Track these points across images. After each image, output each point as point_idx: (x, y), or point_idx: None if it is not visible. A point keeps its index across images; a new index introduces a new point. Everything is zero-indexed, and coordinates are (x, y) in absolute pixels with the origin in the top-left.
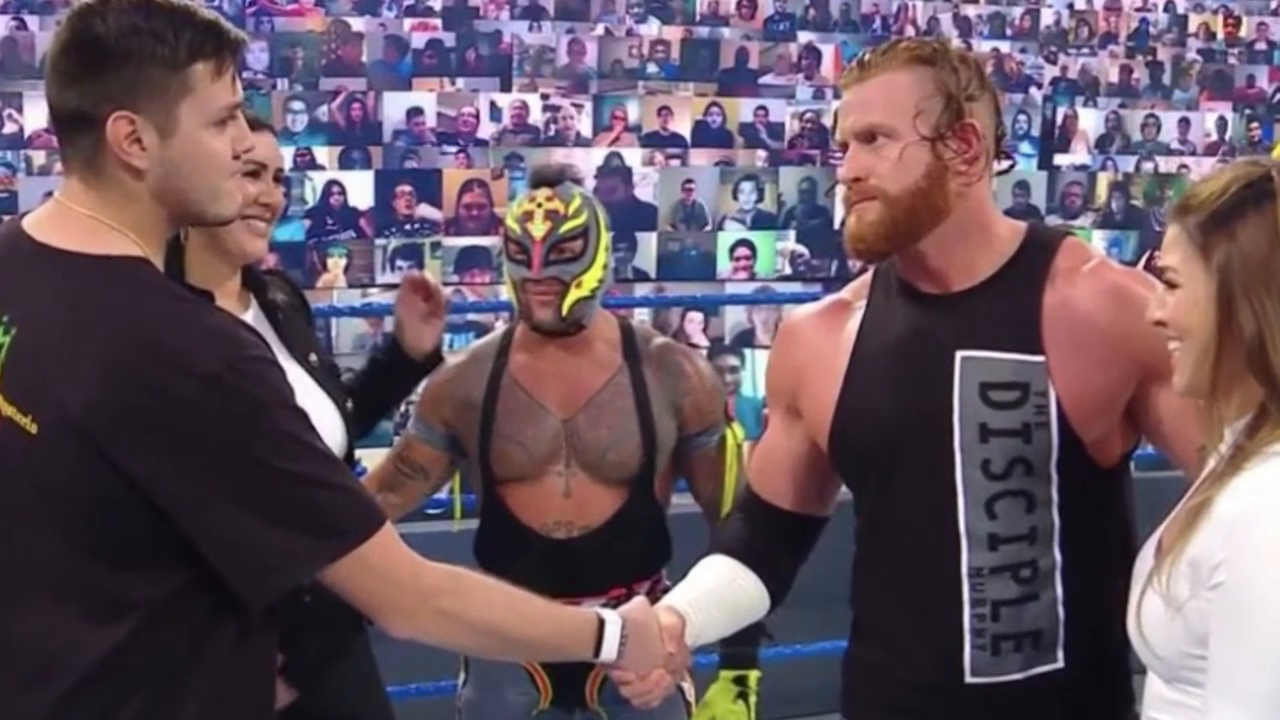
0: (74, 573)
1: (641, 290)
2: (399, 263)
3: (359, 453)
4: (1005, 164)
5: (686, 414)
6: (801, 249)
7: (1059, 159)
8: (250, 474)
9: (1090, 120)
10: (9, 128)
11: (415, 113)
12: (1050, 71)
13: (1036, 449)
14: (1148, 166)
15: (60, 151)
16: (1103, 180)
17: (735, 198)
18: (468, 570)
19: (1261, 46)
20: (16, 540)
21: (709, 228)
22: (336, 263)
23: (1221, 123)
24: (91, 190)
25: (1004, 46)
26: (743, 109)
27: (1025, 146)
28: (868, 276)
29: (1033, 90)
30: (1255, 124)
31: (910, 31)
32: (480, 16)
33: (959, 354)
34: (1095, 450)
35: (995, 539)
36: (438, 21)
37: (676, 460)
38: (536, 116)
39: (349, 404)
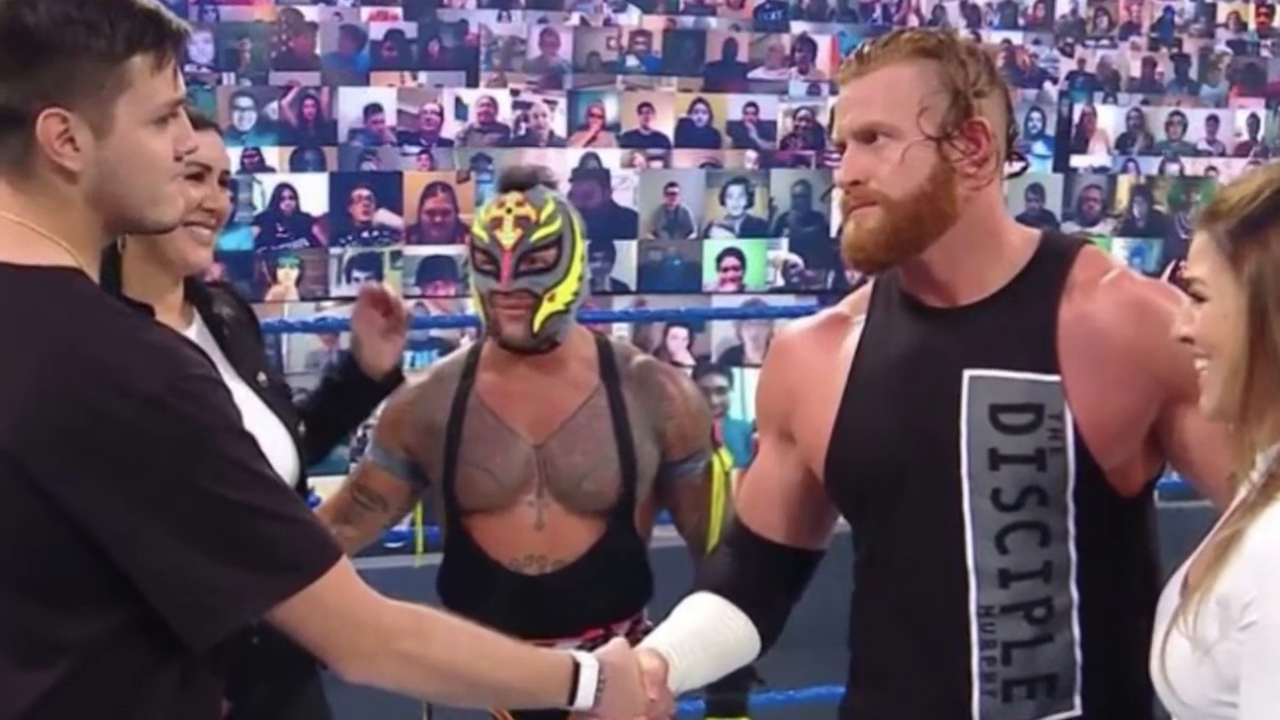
0: (1, 612)
1: (620, 304)
2: (356, 273)
3: (312, 481)
4: (1017, 166)
5: (669, 439)
6: (795, 259)
7: (1076, 160)
8: (193, 504)
9: (1110, 118)
10: None
11: (373, 110)
12: (1066, 65)
13: (1051, 477)
14: (1173, 168)
15: None
16: (1124, 183)
17: (723, 203)
18: (431, 609)
19: None
20: None
21: (694, 235)
22: (287, 274)
23: (1253, 121)
24: (20, 194)
25: (1016, 38)
26: (731, 106)
27: (1039, 147)
28: (867, 289)
29: (1047, 85)
30: None
31: (914, 21)
32: (444, 5)
33: (967, 373)
34: (1115, 478)
35: (1006, 575)
36: (398, 10)
37: (659, 489)
38: (506, 114)
39: (301, 428)
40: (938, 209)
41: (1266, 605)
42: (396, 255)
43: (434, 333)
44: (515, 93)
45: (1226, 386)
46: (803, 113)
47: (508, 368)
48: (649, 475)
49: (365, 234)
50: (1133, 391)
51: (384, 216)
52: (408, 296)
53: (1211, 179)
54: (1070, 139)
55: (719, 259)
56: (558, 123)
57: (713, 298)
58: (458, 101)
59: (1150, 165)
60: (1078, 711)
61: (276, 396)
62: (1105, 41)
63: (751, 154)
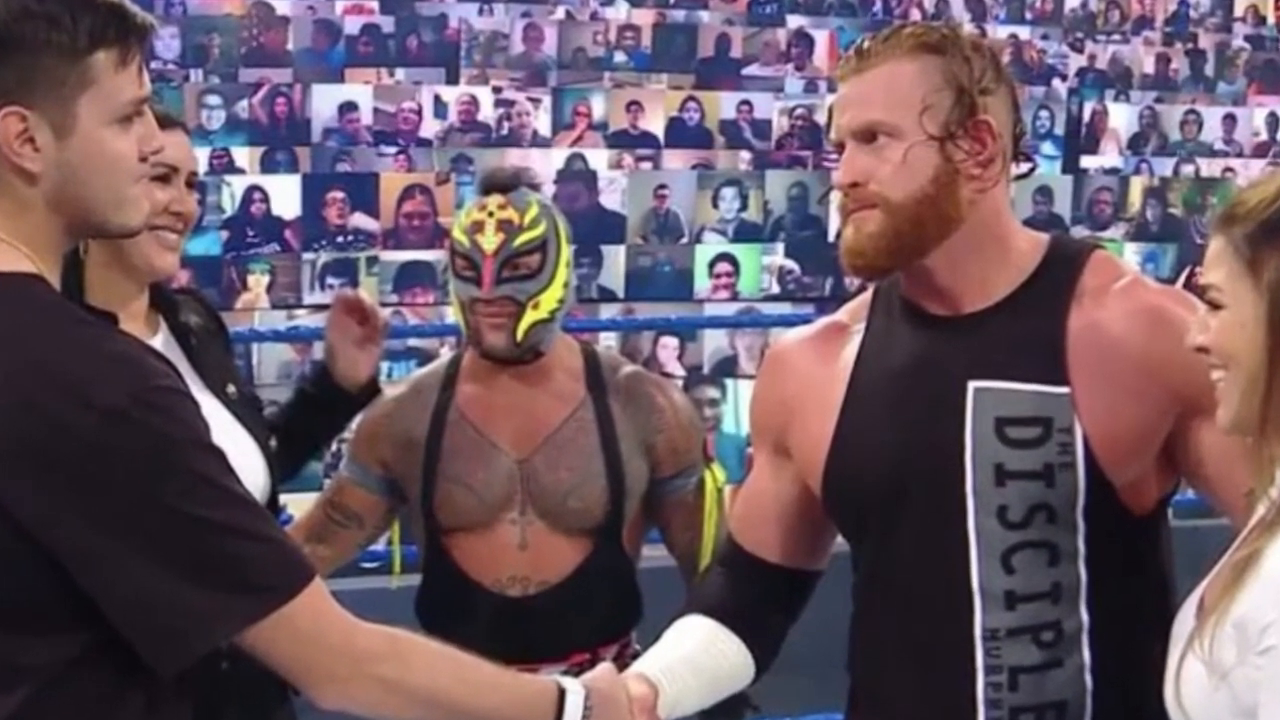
0: None
1: (608, 312)
2: (330, 280)
3: (284, 498)
4: (1025, 167)
5: (659, 454)
6: (791, 264)
7: (1086, 161)
8: (158, 521)
9: (1122, 117)
10: None
11: (349, 108)
12: (1076, 61)
13: (1060, 493)
14: (1188, 170)
15: None
16: (1136, 185)
17: (715, 206)
18: (409, 633)
19: None
20: None
21: (685, 240)
22: (258, 280)
23: (1272, 120)
24: None
25: (1023, 32)
26: (724, 104)
27: (1048, 147)
28: (867, 296)
29: (1056, 83)
30: None
31: (916, 15)
32: None
33: (971, 385)
34: (1127, 495)
35: (1013, 597)
36: (374, 4)
37: (648, 507)
38: (487, 112)
39: (273, 442)
40: (941, 212)
41: None
42: (373, 261)
43: (412, 342)
44: (497, 90)
45: (1244, 398)
46: (799, 111)
47: (489, 379)
48: (638, 492)
49: (340, 238)
50: (1146, 404)
51: (359, 220)
52: (384, 304)
53: (1228, 180)
54: (1080, 139)
55: (711, 265)
56: (542, 122)
57: (705, 305)
58: (437, 99)
59: (1164, 166)
60: None
61: (246, 409)
62: (1117, 36)
63: (745, 154)
